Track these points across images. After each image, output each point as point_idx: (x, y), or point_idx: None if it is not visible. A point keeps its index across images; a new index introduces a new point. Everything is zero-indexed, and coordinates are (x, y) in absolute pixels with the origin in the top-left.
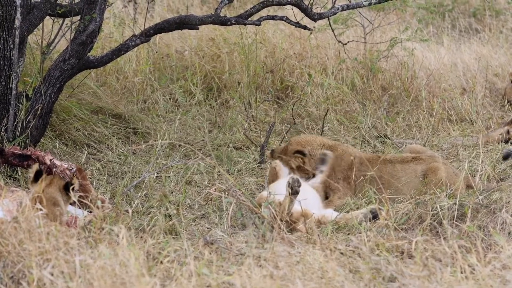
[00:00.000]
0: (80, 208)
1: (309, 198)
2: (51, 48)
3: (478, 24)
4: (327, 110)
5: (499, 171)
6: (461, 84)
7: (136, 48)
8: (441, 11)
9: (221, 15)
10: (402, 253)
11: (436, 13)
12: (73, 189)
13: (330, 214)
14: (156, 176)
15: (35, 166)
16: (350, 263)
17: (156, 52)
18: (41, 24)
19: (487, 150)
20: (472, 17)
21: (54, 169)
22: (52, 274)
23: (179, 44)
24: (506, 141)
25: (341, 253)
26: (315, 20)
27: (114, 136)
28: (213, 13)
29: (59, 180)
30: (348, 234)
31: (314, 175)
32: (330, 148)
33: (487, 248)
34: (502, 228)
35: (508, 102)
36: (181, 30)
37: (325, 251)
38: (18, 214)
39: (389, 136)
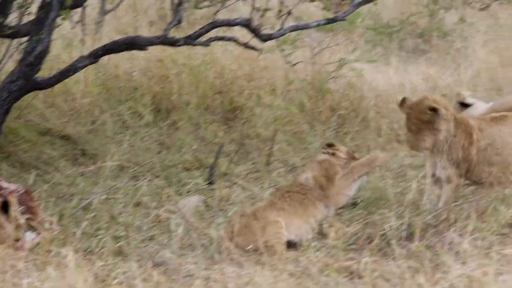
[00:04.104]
0: (27, 231)
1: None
2: None
3: (426, 45)
4: (276, 131)
5: None
6: None
7: (84, 69)
8: (388, 32)
9: (170, 35)
10: (352, 273)
11: (384, 34)
12: (10, 208)
13: None
14: (105, 198)
15: None
16: (300, 284)
17: (104, 74)
18: None
19: None
20: (419, 38)
21: (2, 191)
22: None
23: (128, 65)
24: None
25: (291, 274)
26: (264, 40)
27: (62, 158)
28: (161, 34)
29: None
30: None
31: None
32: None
33: (435, 267)
34: (450, 247)
35: None
36: (130, 51)
37: (274, 272)
38: None
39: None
